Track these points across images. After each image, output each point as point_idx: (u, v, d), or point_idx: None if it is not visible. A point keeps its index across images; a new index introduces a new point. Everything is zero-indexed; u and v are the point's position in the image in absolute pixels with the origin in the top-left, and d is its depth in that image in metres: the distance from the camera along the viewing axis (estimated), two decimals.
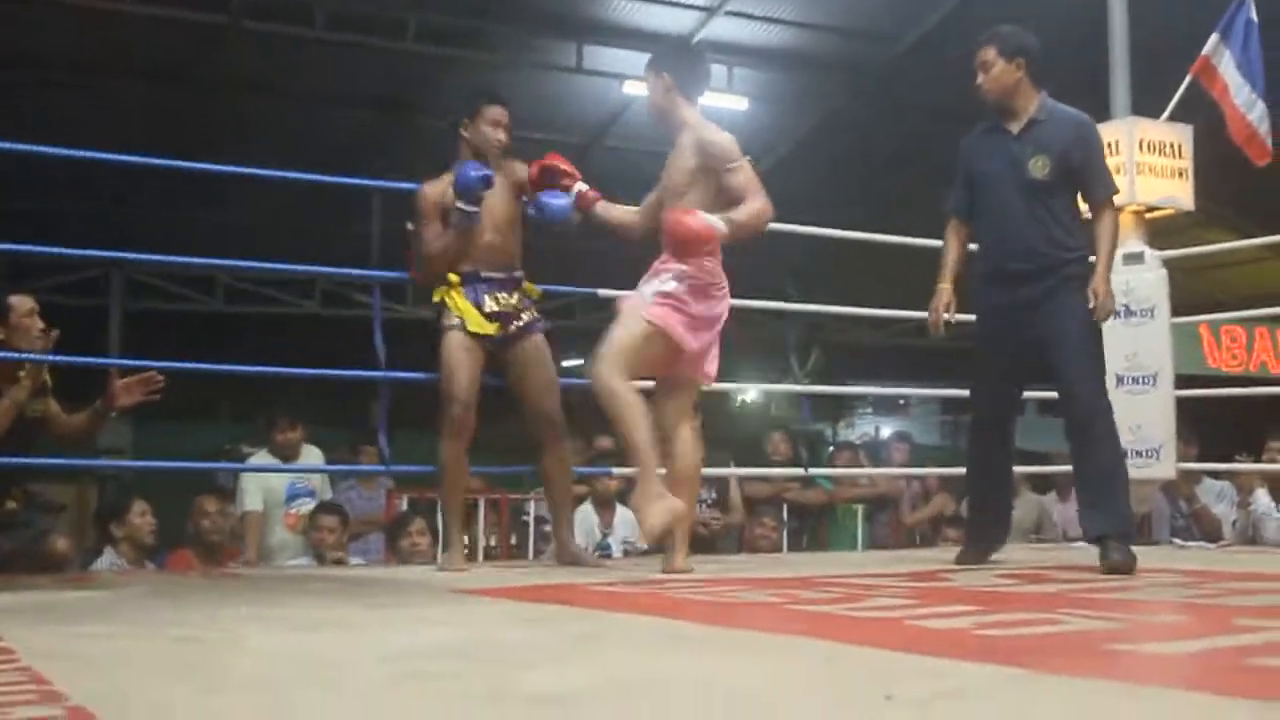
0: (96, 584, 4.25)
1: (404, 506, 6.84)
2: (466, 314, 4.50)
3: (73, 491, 8.88)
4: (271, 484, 6.52)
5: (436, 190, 4.61)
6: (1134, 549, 4.24)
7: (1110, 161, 6.24)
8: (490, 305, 4.55)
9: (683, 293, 4.15)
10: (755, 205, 4.18)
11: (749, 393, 18.60)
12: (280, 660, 2.36)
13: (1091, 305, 4.32)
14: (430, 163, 4.78)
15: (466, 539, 6.67)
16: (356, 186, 5.58)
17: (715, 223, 4.12)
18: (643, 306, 4.13)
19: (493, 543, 7.10)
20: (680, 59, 4.41)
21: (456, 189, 4.47)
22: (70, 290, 12.40)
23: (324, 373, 5.21)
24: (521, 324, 4.60)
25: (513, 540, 7.19)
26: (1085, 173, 4.46)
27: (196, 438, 11.15)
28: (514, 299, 4.62)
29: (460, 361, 4.47)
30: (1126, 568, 4.11)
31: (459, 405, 4.45)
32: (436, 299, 4.60)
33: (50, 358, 4.66)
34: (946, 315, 4.56)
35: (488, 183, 4.47)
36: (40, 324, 4.69)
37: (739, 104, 11.84)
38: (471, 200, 4.46)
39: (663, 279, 4.16)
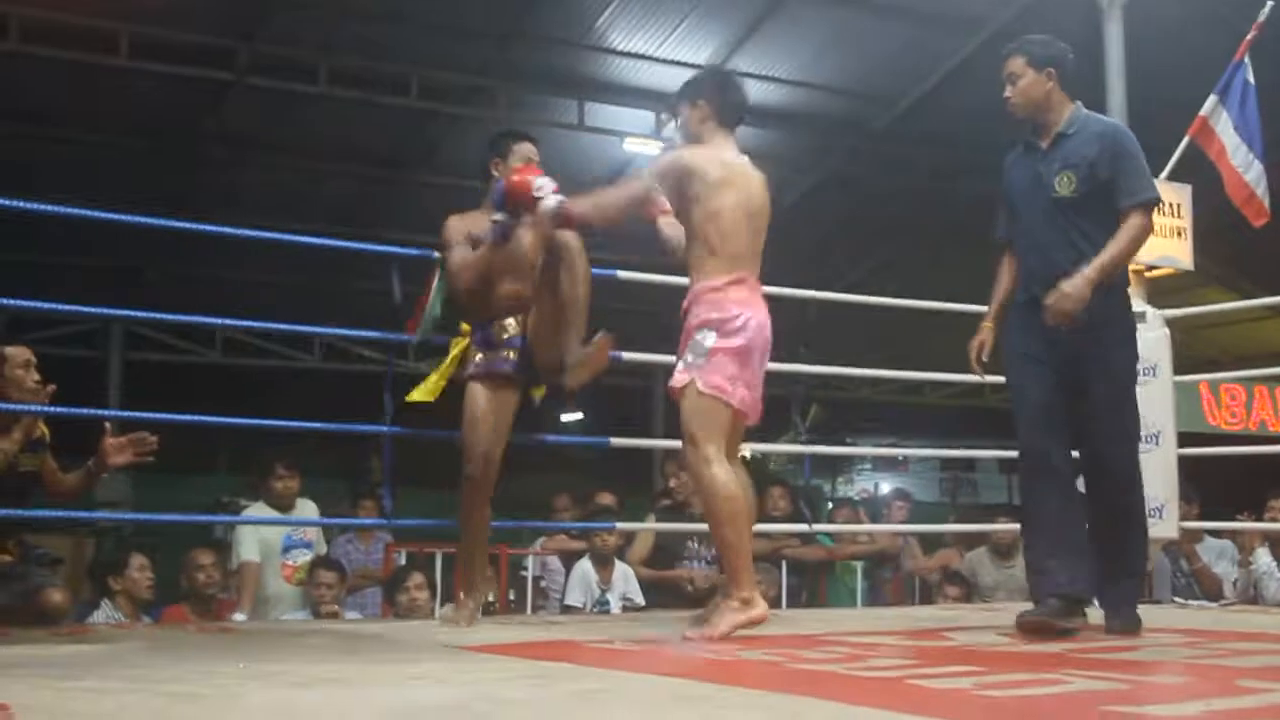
0: (92, 638, 4.22)
1: (402, 561, 6.81)
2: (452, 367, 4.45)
3: (70, 544, 8.83)
4: (267, 535, 6.50)
5: (465, 221, 4.53)
6: (1143, 608, 4.22)
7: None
8: (499, 335, 4.43)
9: (728, 355, 3.98)
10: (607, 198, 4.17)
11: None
12: (277, 717, 2.35)
13: (1049, 301, 4.00)
14: (432, 220, 4.77)
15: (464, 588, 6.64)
16: (353, 250, 5.49)
17: (549, 196, 4.05)
18: (698, 381, 3.97)
19: (491, 598, 7.06)
20: (715, 86, 4.26)
21: (494, 198, 4.31)
22: (69, 342, 12.41)
23: (326, 426, 5.19)
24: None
25: (511, 595, 7.15)
26: (1115, 183, 4.10)
27: (194, 491, 11.13)
28: (518, 323, 4.46)
29: (483, 411, 4.37)
30: (1133, 630, 4.05)
31: (480, 458, 4.35)
32: (455, 350, 4.56)
33: (45, 409, 4.65)
34: (983, 357, 4.36)
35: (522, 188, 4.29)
36: (36, 376, 4.69)
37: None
38: (505, 210, 4.27)
39: (697, 339, 4.00)
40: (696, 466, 3.96)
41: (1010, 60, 4.27)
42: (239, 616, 6.14)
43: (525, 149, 4.59)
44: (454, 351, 4.56)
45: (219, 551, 6.50)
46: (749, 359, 4.02)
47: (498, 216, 4.31)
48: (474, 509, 4.44)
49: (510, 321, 4.46)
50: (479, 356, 4.44)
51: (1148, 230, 4.16)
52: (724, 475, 3.92)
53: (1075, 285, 3.95)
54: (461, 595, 4.47)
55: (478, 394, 4.41)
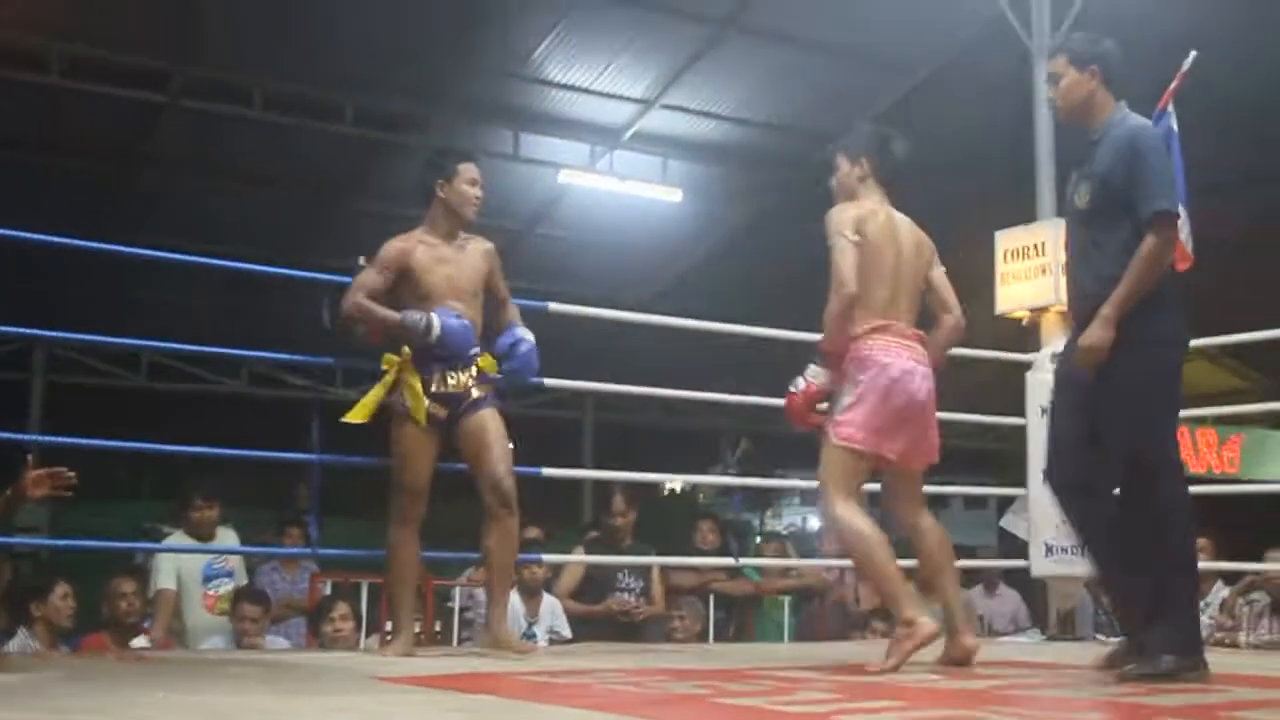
0: (8, 667, 4.13)
1: (328, 590, 6.73)
2: (415, 406, 4.43)
3: None
4: (187, 564, 6.40)
5: (404, 245, 4.53)
6: (1060, 644, 4.25)
7: (1036, 263, 6.40)
8: (438, 385, 4.46)
9: (862, 402, 4.07)
10: (829, 306, 4.12)
11: (675, 482, 18.60)
12: None
13: (1075, 357, 3.82)
14: (363, 246, 4.75)
15: (390, 624, 6.57)
16: (283, 275, 5.44)
17: (806, 377, 4.22)
18: (832, 434, 4.10)
19: (416, 629, 7.00)
20: (877, 146, 4.33)
21: (440, 328, 4.38)
22: None
23: (253, 454, 5.14)
24: (471, 401, 4.51)
25: (437, 627, 7.08)
26: (1129, 192, 3.81)
27: (117, 516, 10.92)
28: (466, 376, 4.51)
29: (413, 450, 4.42)
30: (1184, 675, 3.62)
31: (409, 493, 4.42)
32: (387, 370, 4.52)
33: None
34: None
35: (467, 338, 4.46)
36: None
37: (673, 195, 11.96)
38: (437, 339, 4.39)
39: (841, 391, 4.12)
40: (829, 514, 4.11)
41: (1053, 61, 4.07)
42: (140, 642, 6.02)
43: (470, 170, 4.60)
44: (389, 374, 4.52)
45: (139, 578, 6.39)
46: (886, 404, 4.08)
47: (423, 328, 4.38)
48: (401, 545, 4.46)
49: (453, 376, 4.49)
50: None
51: (1165, 246, 3.79)
52: (859, 521, 4.06)
53: (1092, 336, 3.76)
54: (390, 632, 4.52)
55: (408, 431, 4.42)
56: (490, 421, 4.51)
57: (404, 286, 4.52)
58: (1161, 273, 3.80)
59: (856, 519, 4.06)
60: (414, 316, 4.40)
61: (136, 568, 6.84)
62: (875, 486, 4.43)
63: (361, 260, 4.60)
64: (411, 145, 11.13)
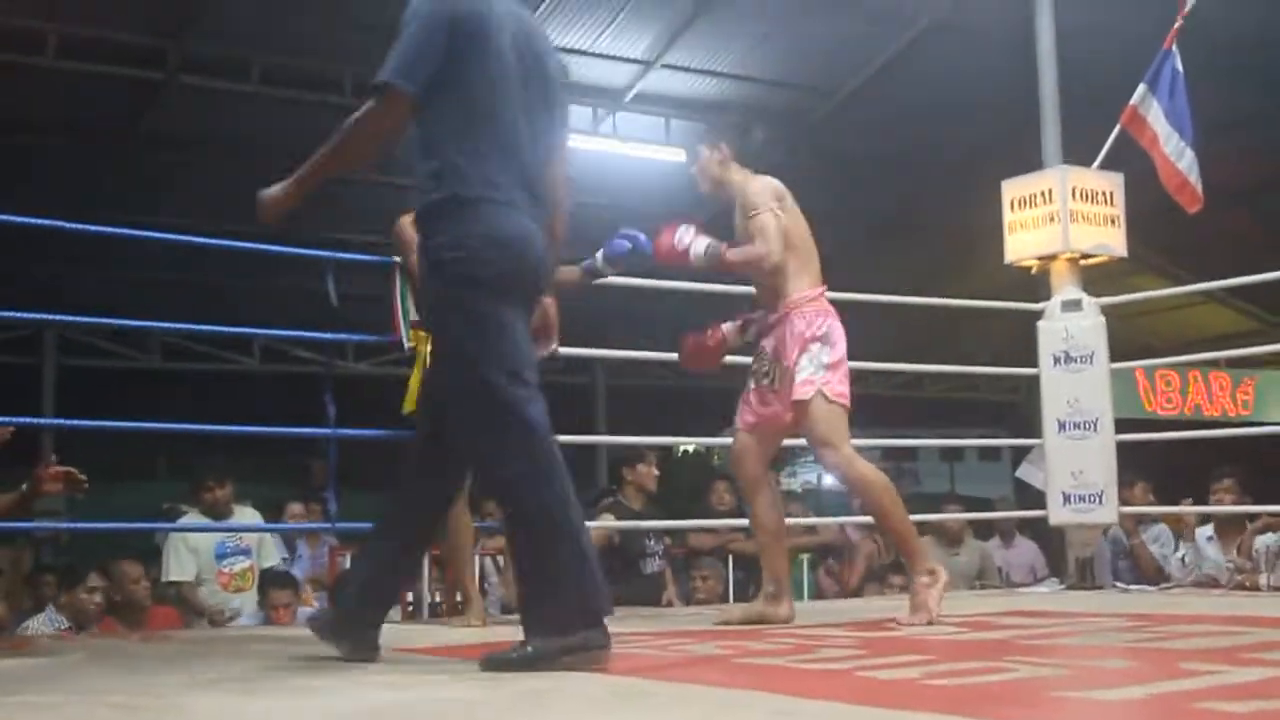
0: (33, 651, 4.16)
1: (347, 564, 6.75)
2: None
3: (7, 555, 8.69)
4: (200, 546, 6.41)
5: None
6: (1079, 593, 4.26)
7: (1044, 210, 6.36)
8: None
9: (841, 360, 4.28)
10: (749, 250, 4.30)
11: (689, 444, 18.60)
12: None
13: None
14: (367, 219, 4.73)
15: (411, 595, 6.60)
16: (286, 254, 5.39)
17: (694, 243, 4.25)
18: (825, 391, 4.21)
19: (437, 598, 7.02)
20: (735, 131, 4.57)
21: (616, 251, 4.23)
22: (1, 349, 12.21)
23: (268, 430, 5.13)
24: None
25: (458, 597, 7.10)
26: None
27: (134, 496, 10.96)
28: None
29: None
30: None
31: None
32: (411, 344, 4.56)
33: None
34: None
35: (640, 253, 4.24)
36: None
37: (677, 156, 11.89)
38: (606, 267, 4.24)
39: (814, 352, 4.25)
40: (844, 468, 4.22)
41: None
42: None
43: None
44: (421, 349, 4.52)
45: (146, 562, 6.39)
46: (845, 361, 4.32)
47: (601, 267, 4.27)
48: (454, 517, 4.48)
49: None
50: None
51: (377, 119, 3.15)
52: (870, 469, 4.26)
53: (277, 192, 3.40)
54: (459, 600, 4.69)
55: None
56: None
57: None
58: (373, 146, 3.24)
59: (876, 472, 4.23)
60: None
61: (155, 547, 6.86)
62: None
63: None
64: None
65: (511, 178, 3.13)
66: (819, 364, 4.22)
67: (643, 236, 4.25)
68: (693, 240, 4.26)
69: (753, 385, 4.43)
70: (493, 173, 3.11)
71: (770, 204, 4.33)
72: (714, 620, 4.34)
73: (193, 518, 6.53)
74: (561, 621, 2.95)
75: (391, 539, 3.41)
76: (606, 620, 3.02)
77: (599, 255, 4.27)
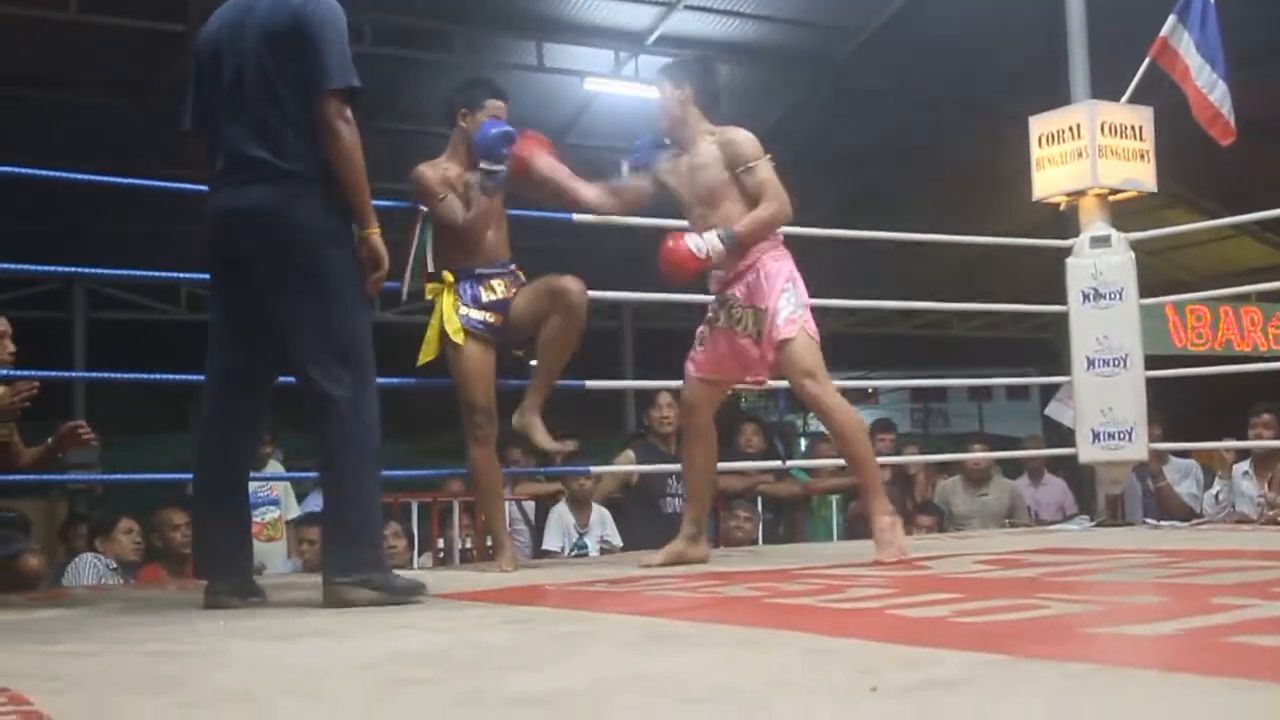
0: (70, 601, 4.21)
1: None
2: (451, 328, 4.44)
3: (41, 507, 8.79)
4: None
5: (437, 170, 4.52)
6: (1109, 530, 4.26)
7: (1072, 146, 6.30)
8: (487, 295, 4.48)
9: (804, 292, 4.34)
10: (766, 211, 4.28)
11: None
12: (260, 672, 2.35)
13: None
14: (390, 164, 4.72)
15: (442, 542, 6.65)
16: None
17: (709, 244, 4.22)
18: (806, 327, 4.28)
19: (468, 544, 7.08)
20: (699, 72, 4.50)
21: (480, 149, 4.36)
22: (31, 304, 12.26)
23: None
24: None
25: (488, 542, 7.16)
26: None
27: (167, 448, 11.05)
28: (506, 286, 4.54)
29: (474, 370, 4.42)
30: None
31: (481, 413, 4.42)
32: (430, 297, 4.55)
33: (15, 373, 4.61)
34: None
35: (509, 139, 4.37)
36: (11, 348, 4.66)
37: None
38: (496, 159, 4.35)
39: (791, 292, 4.30)
40: (825, 398, 4.30)
41: None
42: None
43: (496, 108, 4.54)
44: (445, 301, 4.51)
45: (188, 509, 6.45)
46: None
47: (486, 165, 4.36)
48: (483, 463, 4.51)
49: (498, 284, 4.52)
50: (464, 311, 4.45)
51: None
52: (853, 410, 4.44)
53: None
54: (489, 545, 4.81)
55: (469, 350, 4.43)
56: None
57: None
58: None
59: (855, 411, 4.41)
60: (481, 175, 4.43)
61: (188, 499, 6.93)
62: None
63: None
64: (434, 62, 11.03)
65: None
66: (798, 303, 4.29)
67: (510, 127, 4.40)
68: (706, 243, 4.24)
69: (709, 333, 4.47)
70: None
71: (763, 153, 4.34)
72: (638, 564, 4.41)
73: None
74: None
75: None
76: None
77: (624, 167, 4.48)
